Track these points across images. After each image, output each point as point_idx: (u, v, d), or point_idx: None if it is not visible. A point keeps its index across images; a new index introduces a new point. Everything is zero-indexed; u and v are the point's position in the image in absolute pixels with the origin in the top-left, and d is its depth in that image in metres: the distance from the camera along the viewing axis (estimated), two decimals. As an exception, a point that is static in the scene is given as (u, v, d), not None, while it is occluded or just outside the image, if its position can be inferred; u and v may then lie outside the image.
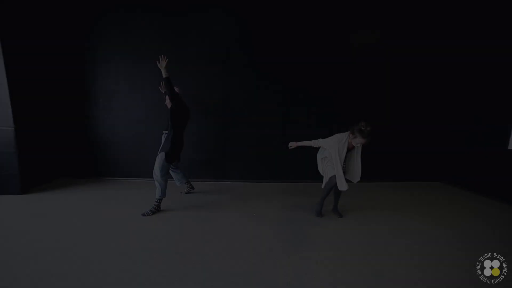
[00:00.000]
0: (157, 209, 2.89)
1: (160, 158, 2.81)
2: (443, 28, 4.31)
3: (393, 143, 4.48)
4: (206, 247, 2.19)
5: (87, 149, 4.17)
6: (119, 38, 4.02)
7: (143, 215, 2.78)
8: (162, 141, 3.19)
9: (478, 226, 2.77)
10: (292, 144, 2.86)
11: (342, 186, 2.64)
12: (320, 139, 2.79)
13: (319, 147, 2.86)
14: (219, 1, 4.01)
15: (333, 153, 2.67)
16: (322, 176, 2.88)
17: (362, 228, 2.66)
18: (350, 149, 2.73)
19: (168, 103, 3.10)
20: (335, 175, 2.69)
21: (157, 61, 2.71)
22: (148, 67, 3.97)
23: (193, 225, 2.62)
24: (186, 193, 3.62)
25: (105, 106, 4.14)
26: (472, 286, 1.78)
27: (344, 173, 2.76)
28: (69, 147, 4.15)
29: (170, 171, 3.33)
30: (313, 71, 4.24)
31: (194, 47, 4.06)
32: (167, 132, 2.98)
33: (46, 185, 3.78)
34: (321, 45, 4.20)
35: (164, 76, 2.71)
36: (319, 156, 2.96)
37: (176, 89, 2.95)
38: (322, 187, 2.83)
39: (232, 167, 4.38)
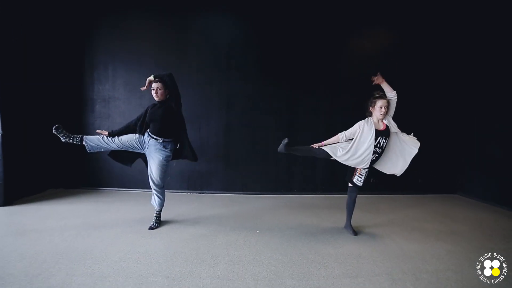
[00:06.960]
0: (159, 220, 2.67)
1: (161, 163, 2.51)
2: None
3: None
4: (203, 272, 1.89)
5: (80, 158, 3.93)
6: (117, 43, 3.88)
7: (151, 228, 2.56)
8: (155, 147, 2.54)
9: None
10: (316, 145, 2.41)
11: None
12: (345, 131, 2.41)
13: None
14: (221, 3, 3.87)
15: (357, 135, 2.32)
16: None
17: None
18: (381, 131, 2.33)
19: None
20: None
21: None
22: (146, 73, 3.82)
23: (189, 243, 2.33)
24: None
25: (102, 112, 3.95)
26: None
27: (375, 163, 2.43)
28: (62, 155, 3.92)
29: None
30: (319, 76, 4.04)
31: (195, 53, 3.91)
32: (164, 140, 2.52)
33: (35, 196, 3.53)
34: (326, 50, 4.02)
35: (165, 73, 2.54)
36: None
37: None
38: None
39: (234, 178, 4.09)
